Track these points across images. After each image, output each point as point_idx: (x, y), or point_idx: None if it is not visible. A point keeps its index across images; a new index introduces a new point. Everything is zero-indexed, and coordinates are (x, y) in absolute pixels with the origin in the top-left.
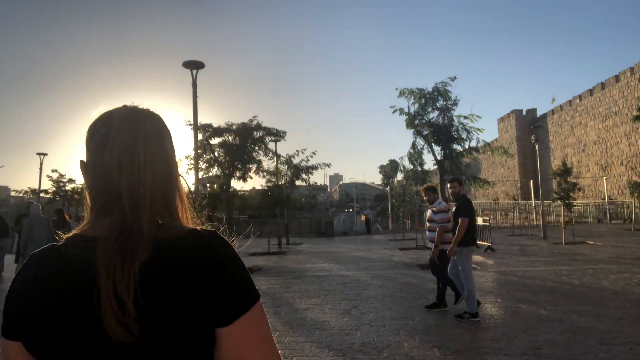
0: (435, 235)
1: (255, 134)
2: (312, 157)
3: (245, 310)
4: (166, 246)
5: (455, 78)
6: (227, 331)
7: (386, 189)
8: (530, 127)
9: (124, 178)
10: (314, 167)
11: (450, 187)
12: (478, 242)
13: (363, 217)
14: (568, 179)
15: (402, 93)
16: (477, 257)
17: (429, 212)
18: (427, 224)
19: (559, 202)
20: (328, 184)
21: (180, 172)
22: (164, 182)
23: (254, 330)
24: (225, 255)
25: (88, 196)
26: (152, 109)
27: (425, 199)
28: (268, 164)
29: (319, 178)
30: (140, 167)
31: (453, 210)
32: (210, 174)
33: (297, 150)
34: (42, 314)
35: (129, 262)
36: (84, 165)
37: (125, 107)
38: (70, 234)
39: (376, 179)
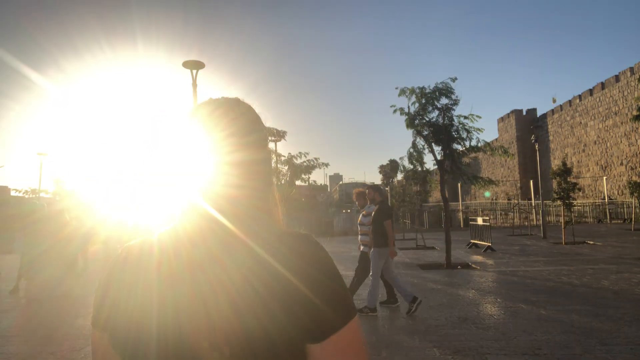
0: (368, 238)
1: None
2: (314, 161)
3: (342, 324)
4: (281, 245)
5: (455, 79)
6: (323, 347)
7: (386, 189)
8: (530, 127)
9: (221, 179)
10: (313, 167)
11: (367, 195)
12: (478, 242)
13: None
14: (568, 179)
15: (402, 92)
16: (477, 257)
17: (360, 217)
18: (359, 228)
19: (558, 202)
20: (328, 184)
21: None
22: (260, 178)
23: (351, 345)
24: (327, 262)
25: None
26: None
27: (356, 203)
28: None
29: (319, 178)
30: (239, 164)
31: (372, 214)
32: None
33: (300, 152)
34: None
35: (228, 269)
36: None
37: (219, 98)
38: (160, 233)
39: (376, 179)
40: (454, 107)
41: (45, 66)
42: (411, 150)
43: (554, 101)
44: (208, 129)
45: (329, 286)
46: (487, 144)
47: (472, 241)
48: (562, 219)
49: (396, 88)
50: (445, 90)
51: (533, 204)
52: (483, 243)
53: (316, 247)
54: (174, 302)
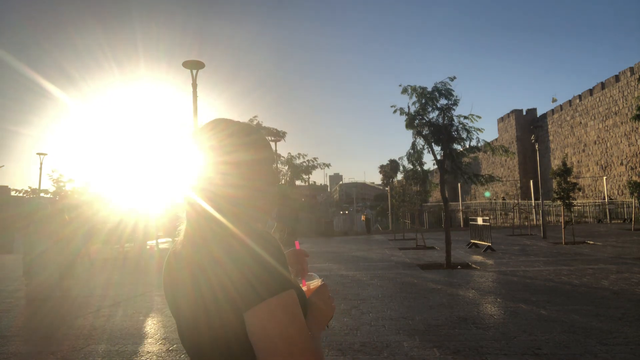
0: None
1: None
2: (313, 161)
3: (257, 300)
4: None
5: (454, 78)
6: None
7: (386, 189)
8: (530, 127)
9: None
10: (314, 167)
11: None
12: (478, 242)
13: (363, 217)
14: (568, 179)
15: (405, 90)
16: (477, 257)
17: None
18: None
19: (558, 202)
20: (328, 184)
21: None
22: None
23: (272, 323)
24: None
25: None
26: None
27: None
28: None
29: (319, 178)
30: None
31: None
32: None
33: (299, 154)
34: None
35: (183, 271)
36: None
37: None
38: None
39: (376, 179)
40: (454, 107)
41: (45, 66)
42: (411, 150)
43: (554, 101)
44: (208, 135)
45: (248, 267)
46: (488, 144)
47: (472, 241)
48: (562, 219)
49: (400, 85)
50: (444, 91)
51: (533, 204)
52: (483, 243)
53: (265, 244)
54: (183, 290)
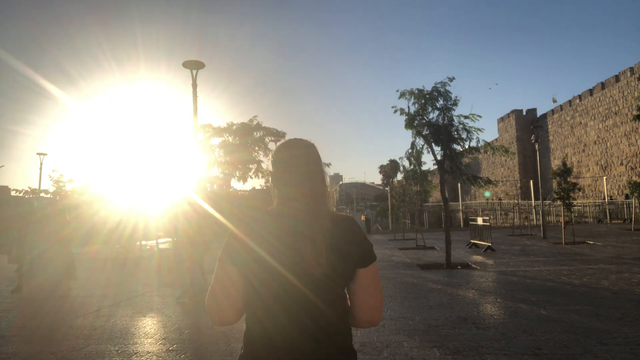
0: None
1: (255, 134)
2: None
3: (371, 262)
4: (335, 219)
5: (453, 78)
6: (362, 272)
7: (386, 189)
8: (530, 127)
9: (309, 185)
10: None
11: None
12: (478, 242)
13: (363, 217)
14: (568, 179)
15: (402, 94)
16: (477, 257)
17: None
18: None
19: (558, 202)
20: (328, 184)
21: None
22: (323, 187)
23: (374, 275)
24: (362, 230)
25: (275, 192)
26: (309, 140)
27: None
28: (268, 164)
29: None
30: (315, 179)
31: None
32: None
33: None
34: (263, 249)
35: (320, 225)
36: (273, 175)
37: (297, 139)
38: (265, 210)
39: (376, 179)
40: (453, 108)
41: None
42: (410, 150)
43: (554, 101)
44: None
45: (367, 242)
46: (488, 144)
47: (472, 241)
48: (562, 219)
49: (397, 91)
50: (443, 93)
51: (533, 204)
52: (483, 243)
53: (357, 223)
54: (290, 244)
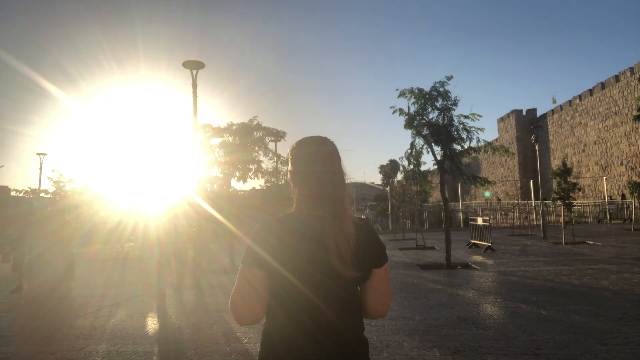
0: None
1: (255, 134)
2: None
3: (384, 263)
4: (356, 223)
5: (451, 77)
6: (377, 271)
7: (386, 189)
8: (530, 127)
9: (330, 187)
10: None
11: None
12: (478, 242)
13: (363, 217)
14: (568, 179)
15: (402, 94)
16: (477, 257)
17: None
18: None
19: (559, 202)
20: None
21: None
22: (344, 188)
23: (386, 274)
24: (376, 233)
25: (296, 191)
26: (329, 137)
27: None
28: (267, 164)
29: None
30: (336, 180)
31: None
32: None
33: None
34: (288, 253)
35: (344, 228)
36: (292, 174)
37: (318, 136)
38: (284, 214)
39: (376, 179)
40: (453, 108)
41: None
42: (410, 151)
43: (554, 101)
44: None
45: (381, 244)
46: (488, 144)
47: (472, 241)
48: (562, 219)
49: (396, 90)
50: (442, 93)
51: (533, 204)
52: (483, 243)
53: (371, 226)
54: (317, 241)
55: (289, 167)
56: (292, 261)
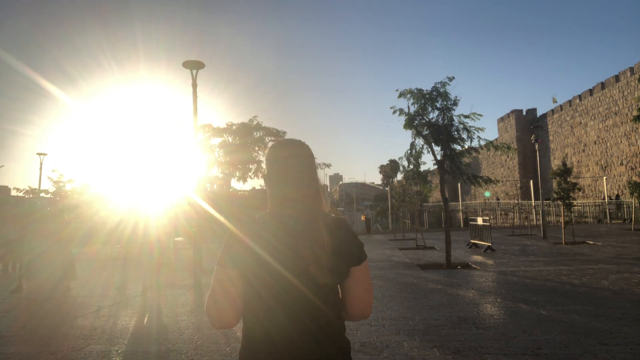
0: None
1: (255, 134)
2: None
3: (363, 261)
4: (330, 219)
5: (453, 78)
6: (355, 270)
7: (386, 189)
8: (530, 127)
9: (302, 188)
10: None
11: None
12: (478, 242)
13: (363, 217)
14: (568, 179)
15: (402, 94)
16: (477, 257)
17: None
18: None
19: (559, 202)
20: (328, 184)
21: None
22: (317, 190)
23: (365, 272)
24: (352, 231)
25: (270, 192)
26: (302, 140)
27: None
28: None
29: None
30: (308, 182)
31: None
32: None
33: None
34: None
35: (317, 229)
36: (266, 177)
37: (291, 139)
38: (260, 213)
39: (376, 179)
40: (453, 107)
41: (45, 65)
42: (410, 151)
43: (554, 101)
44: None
45: (358, 242)
46: (490, 142)
47: (472, 241)
48: (562, 219)
49: (396, 90)
50: (443, 93)
51: (533, 204)
52: (483, 243)
53: (347, 224)
54: (291, 245)
55: (266, 169)
56: (268, 261)
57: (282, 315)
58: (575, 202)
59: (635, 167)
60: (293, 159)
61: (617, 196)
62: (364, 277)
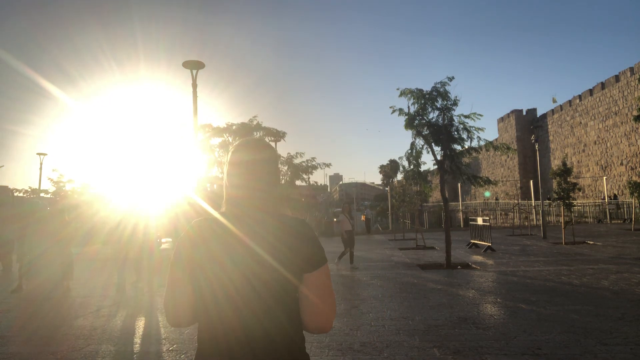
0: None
1: (255, 134)
2: (312, 161)
3: (318, 267)
4: (284, 221)
5: (452, 78)
6: (308, 276)
7: (386, 189)
8: (530, 127)
9: (256, 186)
10: (315, 167)
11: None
12: (478, 242)
13: (363, 217)
14: (568, 179)
15: (402, 93)
16: (477, 257)
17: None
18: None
19: (559, 202)
20: (328, 184)
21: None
22: (270, 190)
23: (321, 280)
24: (311, 233)
25: (225, 193)
26: (264, 140)
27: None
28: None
29: (319, 178)
30: (263, 179)
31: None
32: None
33: (297, 153)
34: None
35: (265, 227)
36: (226, 176)
37: (253, 139)
38: (218, 212)
39: (376, 179)
40: (453, 107)
41: (45, 65)
42: (410, 151)
43: (554, 101)
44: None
45: (313, 246)
46: (489, 143)
47: (472, 241)
48: (562, 219)
49: (397, 89)
50: (443, 93)
51: (533, 204)
52: (483, 243)
53: (305, 226)
54: (239, 245)
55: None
56: (215, 260)
57: (231, 317)
58: (575, 202)
59: (635, 167)
60: (246, 160)
61: (615, 196)
62: (320, 285)
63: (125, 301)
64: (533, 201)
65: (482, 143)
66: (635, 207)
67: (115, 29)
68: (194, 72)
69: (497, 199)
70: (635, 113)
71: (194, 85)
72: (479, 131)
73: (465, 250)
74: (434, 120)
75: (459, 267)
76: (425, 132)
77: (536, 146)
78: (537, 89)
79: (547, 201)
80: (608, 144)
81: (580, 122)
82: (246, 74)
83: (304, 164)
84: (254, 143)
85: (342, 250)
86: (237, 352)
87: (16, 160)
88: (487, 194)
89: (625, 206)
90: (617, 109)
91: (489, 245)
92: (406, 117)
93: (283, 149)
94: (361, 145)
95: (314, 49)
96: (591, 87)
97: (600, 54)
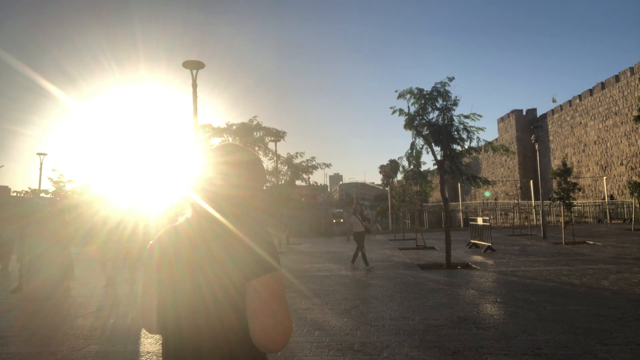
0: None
1: (255, 134)
2: (311, 160)
3: (260, 275)
4: (237, 227)
5: (453, 78)
6: (251, 285)
7: (386, 189)
8: (530, 127)
9: (214, 192)
10: (315, 167)
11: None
12: (478, 242)
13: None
14: (568, 179)
15: (401, 95)
16: (477, 257)
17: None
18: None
19: (559, 202)
20: (328, 184)
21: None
22: (228, 195)
23: (267, 290)
24: (258, 238)
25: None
26: (239, 144)
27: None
28: (267, 164)
29: (319, 178)
30: (220, 187)
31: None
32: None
33: (297, 152)
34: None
35: (208, 234)
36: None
37: (228, 145)
38: (185, 217)
39: (376, 179)
40: (453, 108)
41: (45, 65)
42: (410, 151)
43: (554, 101)
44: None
45: (257, 253)
46: (489, 143)
47: (472, 241)
48: (562, 219)
49: (395, 91)
50: (442, 93)
51: (533, 204)
52: (483, 243)
53: (259, 231)
54: (184, 255)
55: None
56: (165, 273)
57: (183, 329)
58: (575, 202)
59: (635, 167)
60: (211, 166)
61: (612, 197)
62: (264, 297)
63: (116, 295)
64: (533, 201)
65: (482, 143)
66: (635, 207)
67: (115, 29)
68: (194, 72)
69: (497, 199)
70: (635, 113)
71: (194, 85)
72: (479, 131)
73: (465, 250)
74: (434, 120)
75: (459, 267)
76: (425, 132)
77: (536, 146)
78: (537, 89)
79: (547, 201)
80: (608, 144)
81: (580, 122)
82: (246, 74)
83: (303, 164)
84: (227, 151)
85: (340, 252)
86: None
87: (16, 160)
88: (487, 194)
89: (625, 206)
90: (617, 109)
91: (489, 245)
92: (406, 117)
93: (283, 149)
94: (361, 145)
95: (314, 49)
96: (591, 87)
97: (600, 54)
